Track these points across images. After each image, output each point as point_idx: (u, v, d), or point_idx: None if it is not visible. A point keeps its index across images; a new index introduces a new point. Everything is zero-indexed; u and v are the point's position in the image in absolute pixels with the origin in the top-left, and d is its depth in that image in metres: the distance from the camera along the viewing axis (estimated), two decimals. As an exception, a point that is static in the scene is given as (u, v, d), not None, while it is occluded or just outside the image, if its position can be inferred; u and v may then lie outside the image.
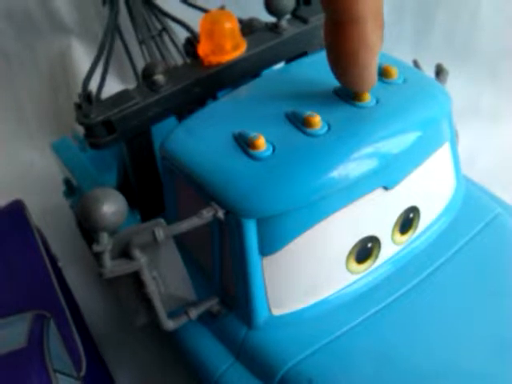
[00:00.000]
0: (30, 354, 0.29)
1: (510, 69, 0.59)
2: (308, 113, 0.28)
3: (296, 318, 0.30)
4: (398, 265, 0.31)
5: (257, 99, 0.32)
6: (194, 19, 0.37)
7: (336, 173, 0.27)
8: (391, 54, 0.32)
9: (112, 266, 0.26)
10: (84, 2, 0.58)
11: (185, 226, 0.27)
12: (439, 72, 0.33)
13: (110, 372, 0.39)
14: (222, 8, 0.38)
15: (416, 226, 0.32)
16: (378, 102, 0.29)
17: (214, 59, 0.35)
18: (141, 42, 0.42)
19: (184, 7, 0.42)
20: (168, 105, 0.34)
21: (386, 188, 0.29)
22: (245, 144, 0.28)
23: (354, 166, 0.27)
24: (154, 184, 0.36)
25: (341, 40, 0.26)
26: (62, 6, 0.58)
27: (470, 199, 0.34)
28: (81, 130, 0.34)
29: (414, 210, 0.31)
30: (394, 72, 0.30)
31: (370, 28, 0.25)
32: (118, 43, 0.40)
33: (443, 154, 0.32)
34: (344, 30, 0.26)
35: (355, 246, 0.29)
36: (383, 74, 0.30)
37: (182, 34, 0.42)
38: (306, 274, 0.29)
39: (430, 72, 0.33)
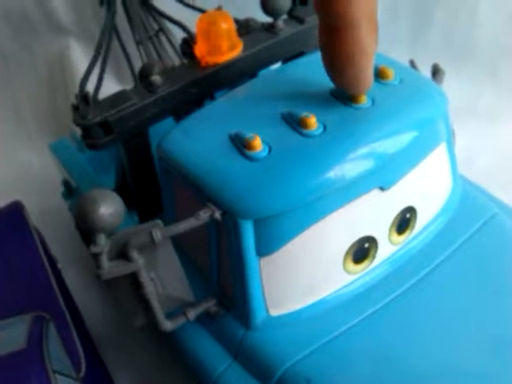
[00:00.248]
0: (30, 355, 0.29)
1: (509, 68, 0.59)
2: (304, 113, 0.28)
3: (294, 318, 0.30)
4: (395, 265, 0.31)
5: (253, 100, 0.32)
6: (191, 20, 0.37)
7: (332, 173, 0.27)
8: (387, 54, 0.32)
9: (110, 268, 0.26)
10: (81, 2, 0.58)
11: (182, 227, 0.27)
12: (435, 72, 0.33)
13: (109, 373, 0.39)
14: (219, 8, 0.37)
15: (413, 226, 0.32)
16: (374, 103, 0.29)
17: (211, 60, 0.35)
18: (138, 43, 0.42)
19: (181, 8, 0.42)
20: (165, 105, 0.34)
21: (382, 188, 0.29)
22: (241, 145, 0.28)
23: (350, 167, 0.27)
24: (151, 185, 0.36)
25: (335, 44, 0.26)
26: (60, 7, 0.58)
27: (467, 199, 0.34)
28: (78, 130, 0.34)
29: (410, 210, 0.31)
30: (390, 73, 0.30)
31: (365, 32, 0.25)
32: (115, 44, 0.40)
33: (440, 154, 0.32)
34: (338, 35, 0.26)
35: (352, 246, 0.29)
36: (379, 75, 0.30)
37: (178, 35, 0.42)
38: (304, 275, 0.29)
39: (427, 72, 0.33)
